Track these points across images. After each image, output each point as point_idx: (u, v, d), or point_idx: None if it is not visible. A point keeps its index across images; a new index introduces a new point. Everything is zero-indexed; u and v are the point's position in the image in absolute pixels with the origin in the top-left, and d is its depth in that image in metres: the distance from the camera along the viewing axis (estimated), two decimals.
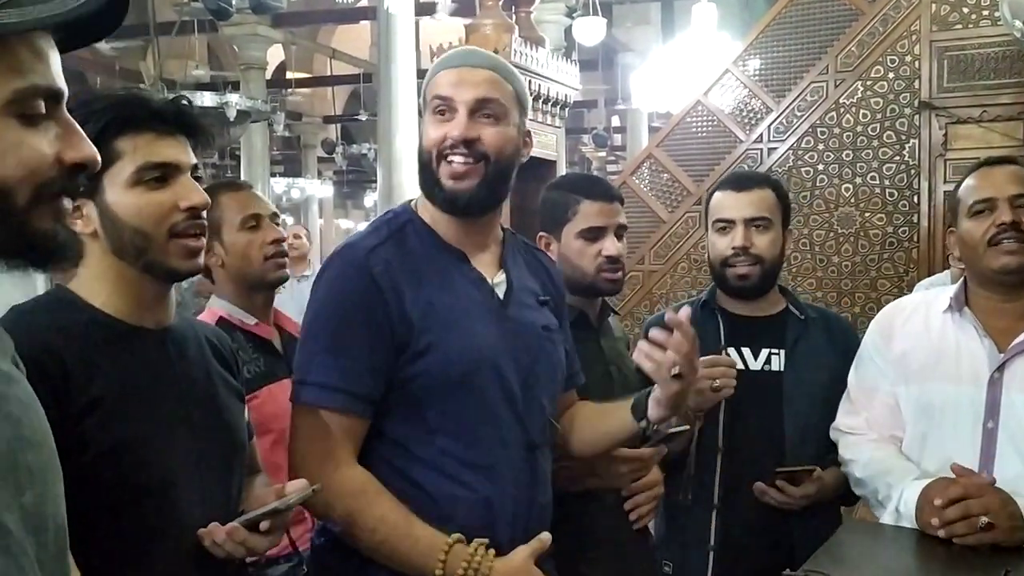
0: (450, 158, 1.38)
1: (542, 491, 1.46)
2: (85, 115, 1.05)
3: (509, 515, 1.38)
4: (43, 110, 0.76)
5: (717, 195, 1.99)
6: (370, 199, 19.59)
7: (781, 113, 4.38)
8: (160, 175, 1.19)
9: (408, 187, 8.34)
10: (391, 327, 1.34)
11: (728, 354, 1.90)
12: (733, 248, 1.91)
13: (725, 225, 1.93)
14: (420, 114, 1.48)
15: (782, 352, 1.93)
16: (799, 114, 4.36)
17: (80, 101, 1.11)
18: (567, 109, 5.33)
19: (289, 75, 14.40)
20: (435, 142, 1.39)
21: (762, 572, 1.70)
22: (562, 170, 5.19)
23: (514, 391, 1.40)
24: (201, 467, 1.21)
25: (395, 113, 8.03)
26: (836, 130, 4.27)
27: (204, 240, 1.24)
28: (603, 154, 16.36)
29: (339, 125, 17.51)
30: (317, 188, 17.30)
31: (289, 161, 18.96)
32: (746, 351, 1.94)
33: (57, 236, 0.77)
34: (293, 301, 3.38)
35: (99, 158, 0.80)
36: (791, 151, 4.36)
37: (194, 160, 1.23)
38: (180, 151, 1.21)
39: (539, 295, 1.53)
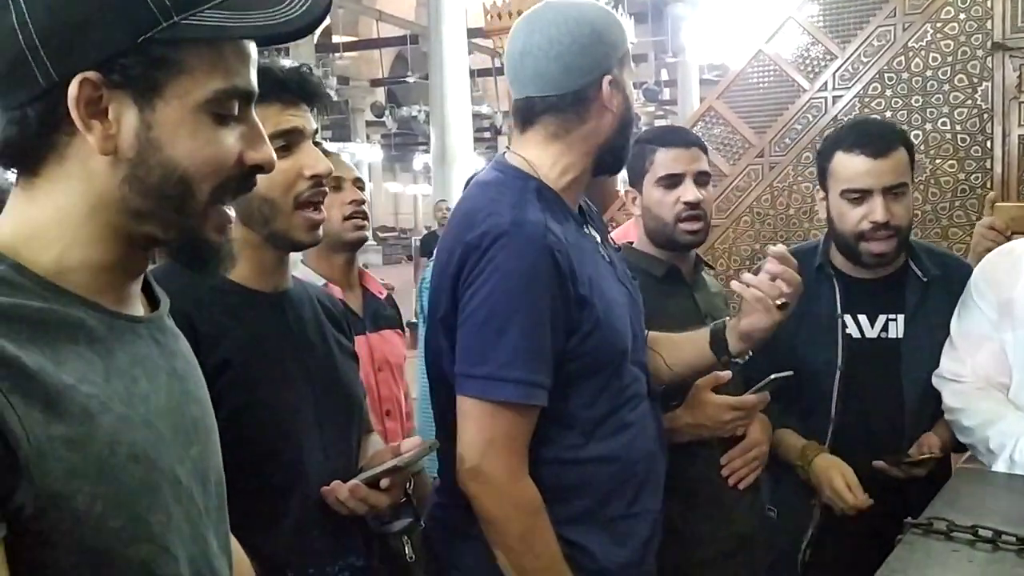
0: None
1: (662, 434, 1.49)
2: None
3: (648, 463, 1.41)
4: (236, 111, 0.78)
5: (844, 158, 1.80)
6: (419, 162, 19.63)
7: (846, 60, 4.26)
8: (285, 143, 1.21)
9: (459, 149, 8.34)
10: (568, 310, 1.28)
11: (844, 323, 1.84)
12: (872, 222, 1.76)
13: (860, 195, 1.78)
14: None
15: (900, 317, 1.83)
16: (865, 60, 4.24)
17: None
18: None
19: (336, 39, 14.43)
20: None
21: (870, 525, 1.69)
22: None
23: (639, 347, 1.42)
24: (322, 426, 1.25)
25: (446, 74, 8.01)
26: (904, 75, 4.14)
27: (324, 212, 1.27)
28: (652, 108, 16.15)
29: (387, 88, 17.51)
30: (366, 152, 17.40)
31: (338, 126, 19.06)
32: (862, 318, 1.85)
33: (221, 249, 0.81)
34: None
35: (275, 159, 0.82)
36: (857, 99, 4.25)
37: (315, 126, 1.26)
38: (303, 119, 1.24)
39: (612, 245, 1.54)
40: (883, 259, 1.81)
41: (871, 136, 1.81)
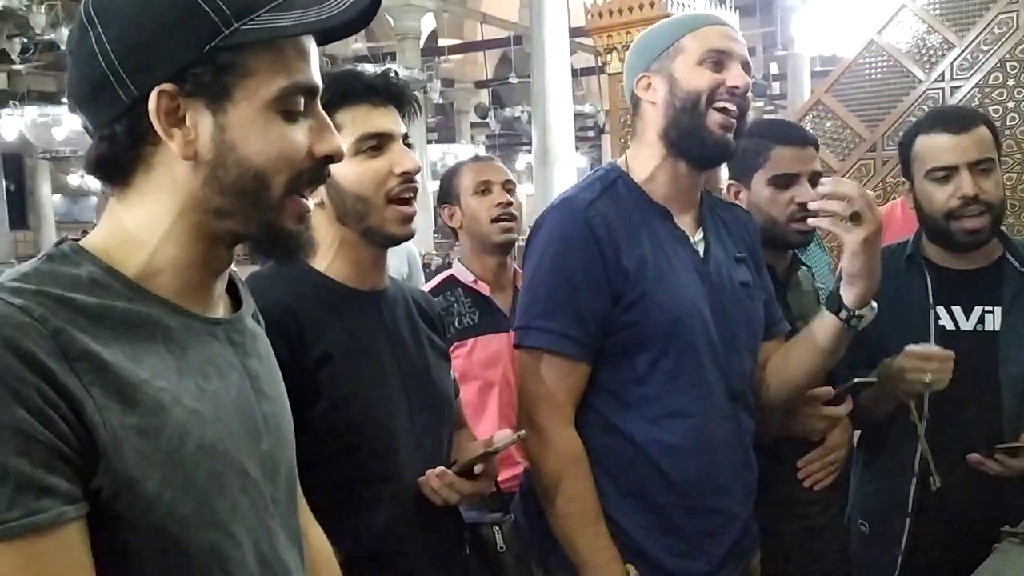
0: (726, 106, 1.41)
1: (748, 439, 1.49)
2: None
3: (714, 462, 1.43)
4: (302, 107, 0.83)
5: (925, 140, 1.77)
6: (522, 162, 19.76)
7: (965, 48, 4.06)
8: (376, 144, 1.27)
9: (561, 148, 8.36)
10: (608, 277, 1.38)
11: (937, 315, 1.77)
12: (961, 197, 1.70)
13: (946, 173, 1.73)
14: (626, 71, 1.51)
15: (997, 310, 1.76)
16: (985, 48, 4.03)
17: None
18: None
19: (441, 42, 14.68)
20: (709, 86, 1.41)
21: (962, 540, 1.63)
22: None
23: (716, 343, 1.43)
24: (414, 419, 1.30)
25: (548, 74, 8.04)
26: None
27: (416, 206, 1.32)
28: (761, 104, 15.75)
29: (491, 89, 17.70)
30: (470, 153, 17.62)
31: (443, 128, 19.38)
32: (956, 310, 1.78)
33: (300, 237, 0.85)
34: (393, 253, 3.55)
35: (344, 149, 0.87)
36: (977, 89, 4.05)
37: (404, 129, 1.31)
38: (392, 120, 1.29)
39: (736, 252, 1.55)
40: (977, 236, 1.73)
41: (950, 115, 1.82)
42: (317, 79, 0.84)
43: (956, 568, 1.42)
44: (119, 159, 0.80)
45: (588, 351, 1.40)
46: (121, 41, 0.77)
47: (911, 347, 1.62)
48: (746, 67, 1.46)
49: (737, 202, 1.81)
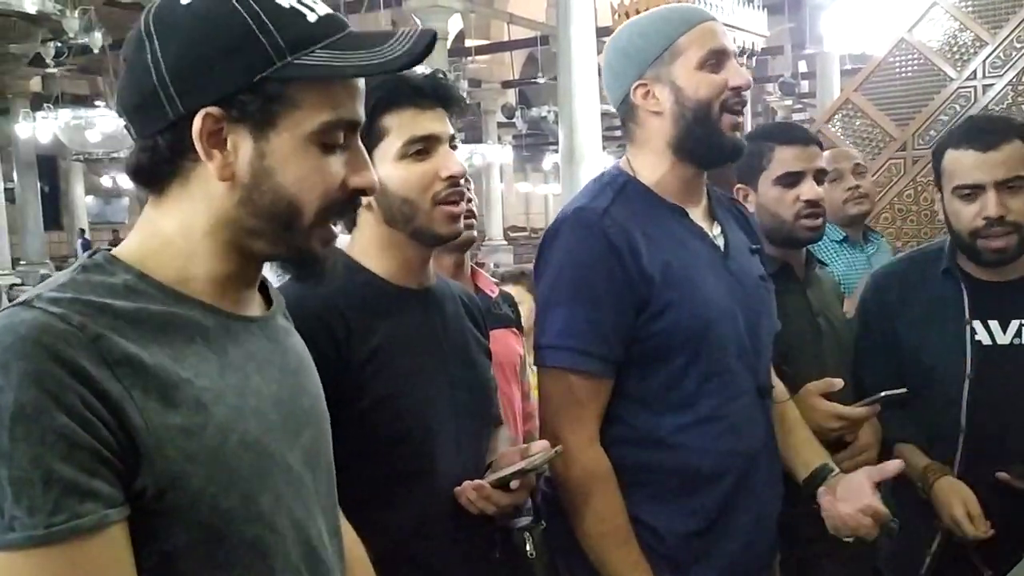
0: (736, 108, 1.40)
1: (774, 436, 1.49)
2: None
3: (744, 464, 1.41)
4: (342, 140, 0.84)
5: (954, 154, 1.74)
6: (548, 162, 19.76)
7: (998, 46, 4.01)
8: (423, 147, 1.27)
9: (587, 148, 8.35)
10: (631, 287, 1.35)
11: (974, 330, 1.74)
12: (985, 218, 1.68)
13: (971, 192, 1.70)
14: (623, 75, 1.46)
15: None
16: (1018, 46, 3.97)
17: None
18: (753, 58, 5.14)
19: (468, 43, 14.70)
20: (718, 90, 1.39)
21: (998, 544, 1.62)
22: (747, 123, 5.02)
23: (744, 341, 1.42)
24: (457, 418, 1.31)
25: (574, 74, 8.03)
26: None
27: (464, 205, 1.33)
28: (789, 103, 15.61)
29: (517, 89, 17.71)
30: (497, 153, 17.63)
31: (469, 128, 19.43)
32: (993, 324, 1.75)
33: (325, 260, 0.87)
34: None
35: (378, 184, 0.89)
36: (1010, 87, 3.99)
37: (452, 130, 1.30)
38: (439, 123, 1.29)
39: (750, 245, 1.55)
40: (1003, 255, 1.71)
41: (980, 130, 1.75)
42: (361, 115, 0.86)
43: (990, 569, 1.41)
44: (158, 169, 0.82)
45: (612, 366, 1.38)
46: (176, 60, 0.78)
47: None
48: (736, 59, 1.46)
49: (746, 204, 1.82)
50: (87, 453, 0.69)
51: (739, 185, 1.85)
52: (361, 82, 0.86)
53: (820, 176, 1.79)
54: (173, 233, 0.83)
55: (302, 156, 0.82)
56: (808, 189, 1.75)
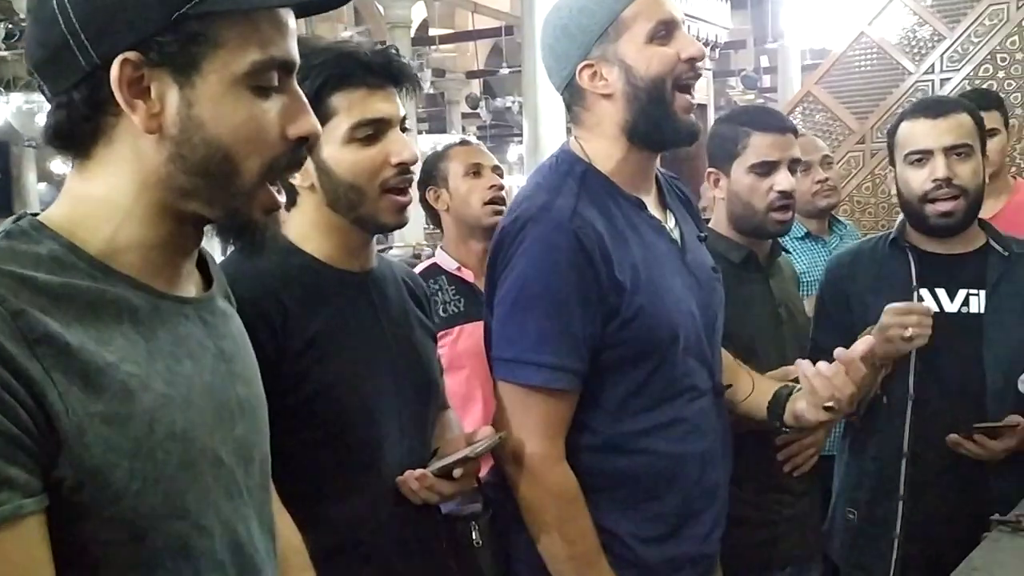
0: (689, 83, 1.32)
1: (728, 432, 1.47)
2: (304, 71, 1.05)
3: (702, 464, 1.38)
4: (276, 82, 0.78)
5: (906, 125, 1.82)
6: (513, 153, 19.71)
7: (955, 40, 4.06)
8: (372, 131, 1.21)
9: (552, 139, 8.34)
10: (601, 295, 1.27)
11: (920, 297, 1.78)
12: (934, 181, 1.74)
13: (921, 156, 1.76)
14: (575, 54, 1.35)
15: (982, 293, 1.77)
16: (976, 40, 4.02)
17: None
18: (717, 50, 5.15)
19: (432, 32, 14.59)
20: (671, 64, 1.30)
21: (955, 522, 1.65)
22: (712, 115, 5.03)
23: (702, 342, 1.38)
24: (400, 403, 1.27)
25: (539, 64, 8.02)
26: (1019, 55, 3.92)
27: (411, 195, 1.27)
28: (752, 96, 15.73)
29: (482, 80, 17.62)
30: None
31: (433, 119, 19.29)
32: (940, 292, 1.79)
33: (265, 228, 0.81)
34: None
35: (320, 131, 0.82)
36: (967, 81, 4.04)
37: (403, 112, 1.25)
38: (390, 105, 1.23)
39: (698, 233, 1.50)
40: (950, 219, 1.75)
41: (930, 102, 1.89)
42: (294, 54, 0.80)
43: (955, 548, 1.43)
44: (77, 129, 0.76)
45: (582, 378, 1.30)
46: (83, 5, 0.73)
47: (892, 304, 1.64)
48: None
49: (717, 190, 1.80)
50: (3, 438, 0.64)
51: (711, 169, 1.83)
52: (291, 18, 0.80)
53: (794, 166, 1.77)
54: (100, 198, 0.77)
55: (233, 102, 0.76)
56: (783, 179, 1.72)
